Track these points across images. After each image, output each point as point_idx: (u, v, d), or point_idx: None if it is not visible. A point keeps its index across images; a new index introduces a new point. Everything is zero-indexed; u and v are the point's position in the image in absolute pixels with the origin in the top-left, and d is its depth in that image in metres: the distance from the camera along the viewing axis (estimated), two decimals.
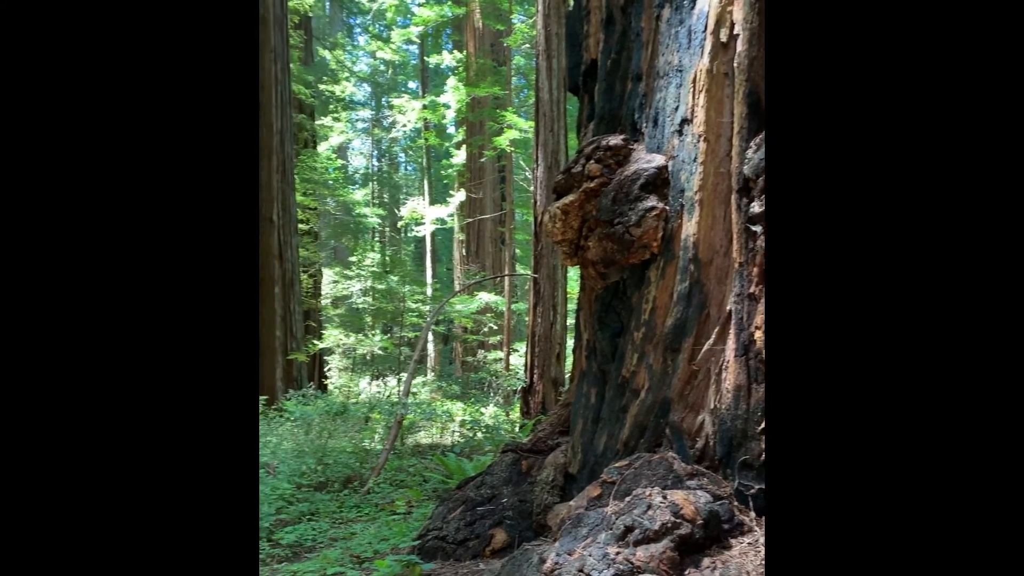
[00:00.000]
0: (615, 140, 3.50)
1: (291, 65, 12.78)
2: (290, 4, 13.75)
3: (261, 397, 9.62)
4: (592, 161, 3.50)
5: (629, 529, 2.65)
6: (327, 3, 25.29)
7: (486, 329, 14.54)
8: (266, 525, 4.76)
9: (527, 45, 14.50)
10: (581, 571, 2.56)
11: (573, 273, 10.17)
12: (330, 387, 13.44)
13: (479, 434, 7.55)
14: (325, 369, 13.72)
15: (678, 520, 2.63)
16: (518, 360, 12.73)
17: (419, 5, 15.27)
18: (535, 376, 8.59)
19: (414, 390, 10.68)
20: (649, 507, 2.69)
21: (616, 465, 3.12)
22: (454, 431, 8.45)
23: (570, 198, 3.54)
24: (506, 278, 14.06)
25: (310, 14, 17.20)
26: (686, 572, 2.56)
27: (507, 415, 9.47)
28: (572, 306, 9.85)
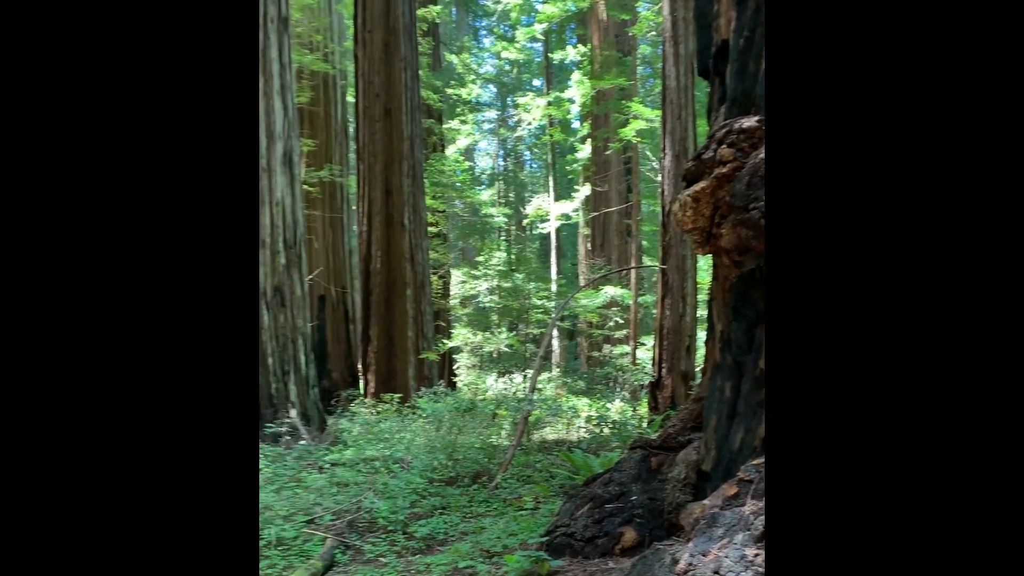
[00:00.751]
0: (749, 122, 3.30)
1: (419, 72, 13.14)
2: (418, 12, 14.14)
3: (395, 395, 9.94)
4: (724, 145, 3.33)
5: None
6: (453, 9, 25.91)
7: (612, 323, 14.37)
8: (401, 518, 4.88)
9: (653, 33, 14.19)
10: (716, 573, 2.43)
11: (703, 263, 9.85)
12: (459, 384, 13.73)
13: (606, 430, 7.44)
14: (454, 367, 14.03)
15: None
16: (645, 354, 12.50)
17: (543, 2, 15.32)
18: (663, 370, 8.37)
19: (540, 386, 10.73)
20: None
21: (754, 463, 2.94)
22: (580, 427, 8.39)
23: (701, 185, 3.38)
24: (632, 271, 13.83)
25: (437, 21, 17.66)
26: None
27: (634, 411, 9.29)
28: (702, 297, 9.54)
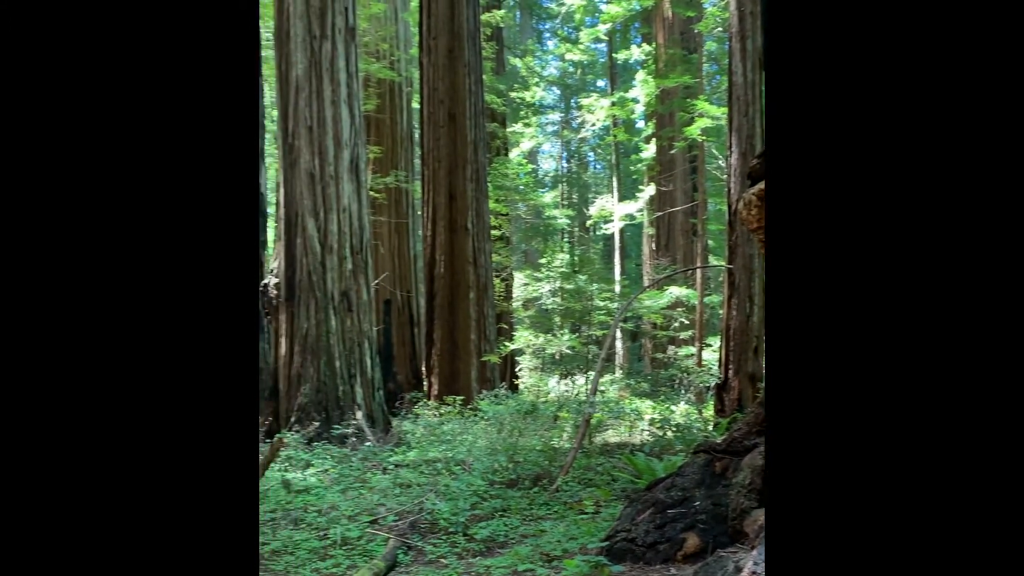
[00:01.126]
0: None
1: (483, 76, 13.22)
2: (482, 17, 14.25)
3: (458, 397, 10.01)
4: None
5: None
6: (517, 13, 26.01)
7: (676, 324, 14.15)
8: (461, 520, 4.91)
9: (719, 29, 13.90)
10: None
11: None
12: (521, 386, 13.72)
13: (669, 433, 7.30)
14: (516, 369, 14.04)
15: None
16: (711, 356, 12.23)
17: (607, 2, 15.22)
18: (730, 372, 8.16)
19: (602, 388, 10.65)
20: None
21: None
22: (643, 430, 8.26)
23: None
24: (698, 270, 13.57)
25: (501, 25, 17.76)
26: None
27: (699, 413, 9.09)
28: None
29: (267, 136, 11.50)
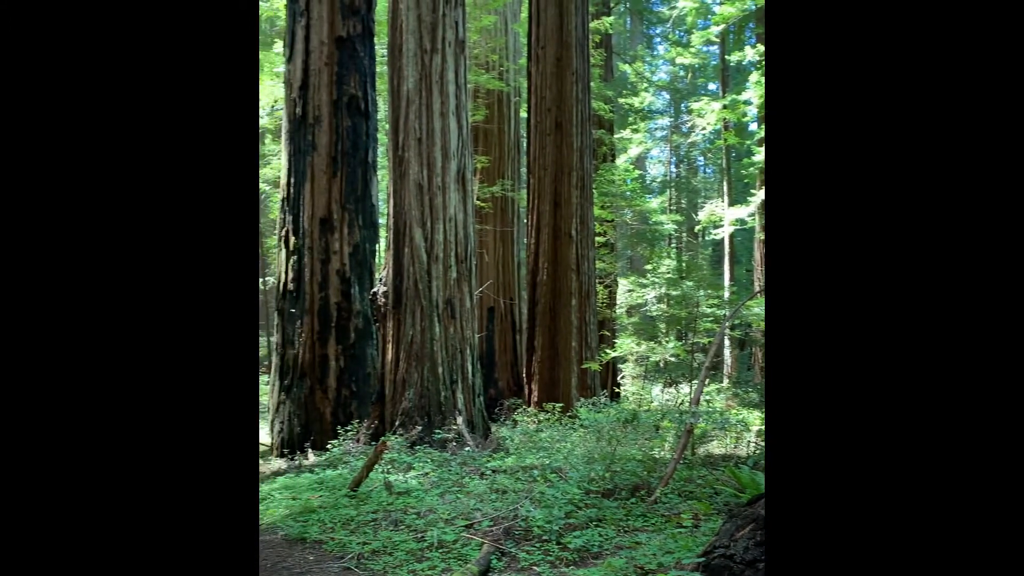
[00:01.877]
0: None
1: (591, 83, 13.19)
2: (591, 24, 14.23)
3: (557, 404, 10.00)
4: None
5: None
6: (627, 19, 25.79)
7: None
8: (556, 528, 4.88)
9: None
10: None
11: None
12: (622, 394, 13.52)
13: None
14: (618, 377, 13.85)
15: None
16: None
17: (720, 3, 14.83)
18: None
19: (708, 397, 10.30)
20: None
21: None
22: (750, 442, 7.93)
23: None
24: None
25: (610, 32, 17.66)
26: None
27: None
28: None
29: (380, 149, 11.94)
